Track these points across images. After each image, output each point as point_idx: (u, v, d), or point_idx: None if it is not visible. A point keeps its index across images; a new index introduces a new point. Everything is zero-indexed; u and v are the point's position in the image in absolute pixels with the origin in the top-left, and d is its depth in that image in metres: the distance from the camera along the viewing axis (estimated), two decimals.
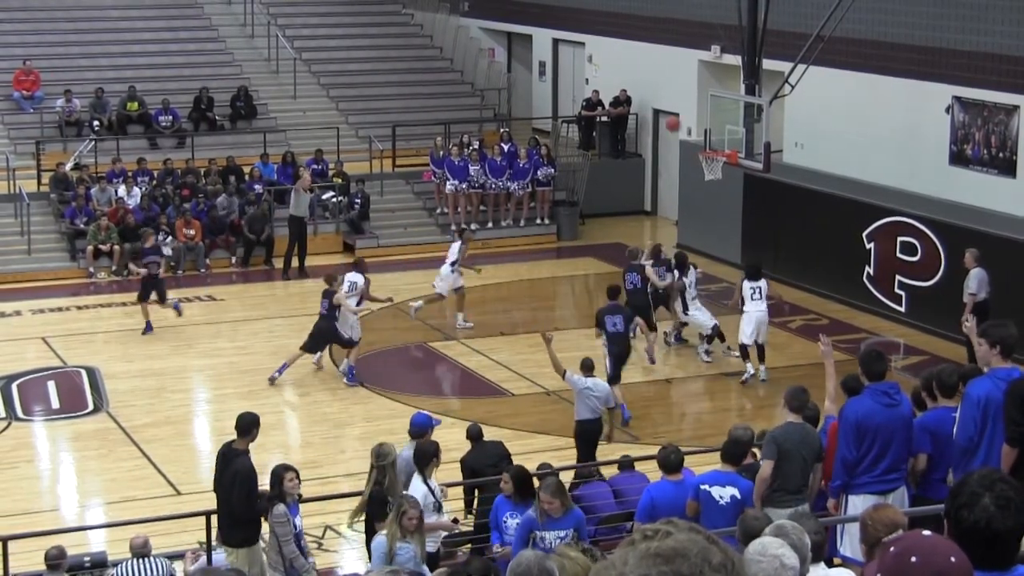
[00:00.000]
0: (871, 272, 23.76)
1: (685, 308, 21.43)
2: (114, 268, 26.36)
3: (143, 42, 33.93)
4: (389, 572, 9.33)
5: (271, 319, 24.02)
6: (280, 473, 12.11)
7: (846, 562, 10.06)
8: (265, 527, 12.55)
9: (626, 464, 14.39)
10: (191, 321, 23.75)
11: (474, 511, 14.05)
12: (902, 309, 23.21)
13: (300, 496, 12.48)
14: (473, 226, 27.37)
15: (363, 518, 12.78)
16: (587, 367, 16.14)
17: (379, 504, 12.13)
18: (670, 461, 11.28)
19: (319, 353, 20.82)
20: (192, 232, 26.92)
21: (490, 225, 29.09)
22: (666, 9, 29.56)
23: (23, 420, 19.28)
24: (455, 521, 12.50)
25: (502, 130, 31.02)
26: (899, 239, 23.17)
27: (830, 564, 8.92)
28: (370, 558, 12.20)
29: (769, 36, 23.19)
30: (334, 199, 28.60)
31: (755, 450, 11.95)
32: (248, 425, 12.72)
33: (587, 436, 15.91)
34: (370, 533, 12.32)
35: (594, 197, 30.20)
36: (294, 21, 35.72)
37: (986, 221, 21.55)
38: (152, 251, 23.29)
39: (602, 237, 29.01)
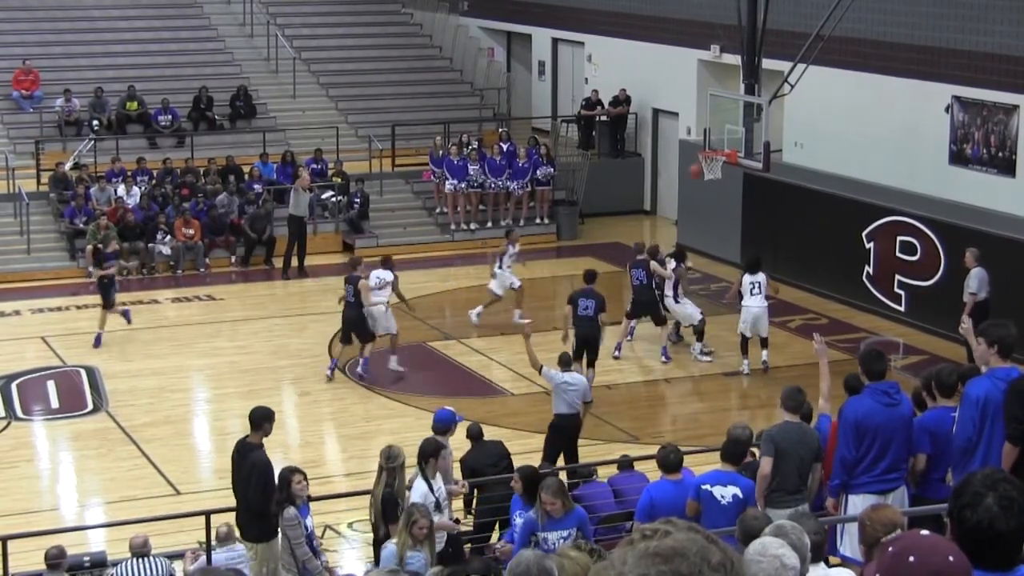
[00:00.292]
0: (871, 272, 23.76)
1: (676, 297, 21.38)
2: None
3: (142, 42, 33.93)
4: (388, 573, 9.34)
5: (271, 319, 24.03)
6: (288, 476, 12.10)
7: (846, 562, 10.06)
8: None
9: (625, 464, 14.39)
10: (191, 321, 23.76)
11: (474, 511, 14.05)
12: (902, 309, 23.21)
13: (309, 498, 12.48)
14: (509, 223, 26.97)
15: (368, 519, 12.77)
16: (565, 362, 16.19)
17: (391, 506, 12.12)
18: (669, 461, 11.26)
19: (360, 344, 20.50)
20: (191, 232, 26.92)
21: (489, 225, 29.08)
22: (665, 9, 29.56)
23: (23, 420, 19.28)
24: (456, 521, 12.46)
25: (501, 130, 31.01)
26: (899, 239, 23.17)
27: (829, 564, 8.91)
28: (376, 562, 12.21)
29: (769, 36, 23.19)
30: (333, 199, 28.60)
31: (754, 449, 11.95)
32: (259, 419, 12.81)
33: (564, 431, 15.84)
34: (377, 535, 12.32)
35: (593, 197, 30.20)
36: (293, 20, 35.72)
37: (986, 221, 21.55)
38: (112, 255, 22.67)
39: (602, 237, 29.01)
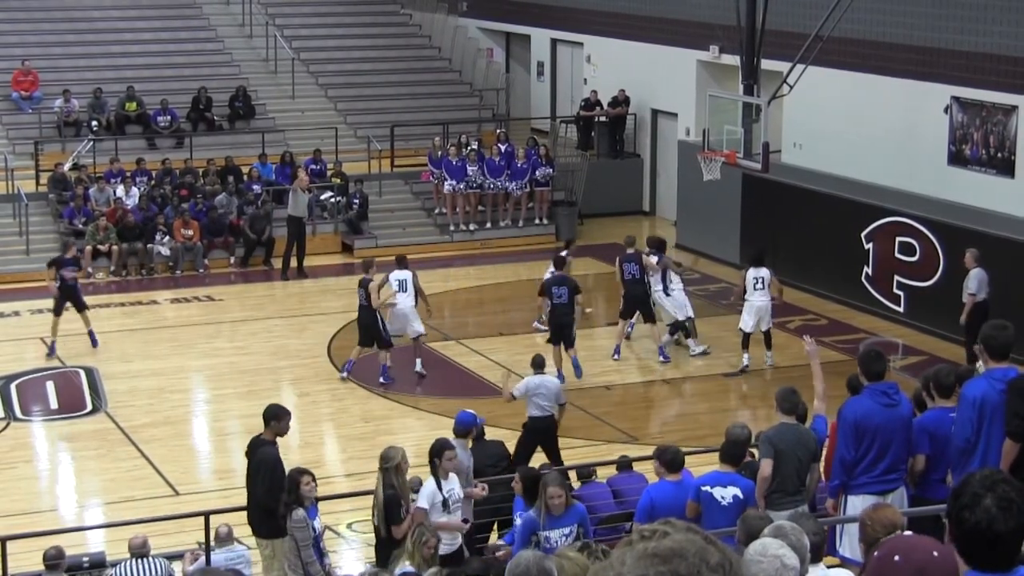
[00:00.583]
0: (870, 272, 23.77)
1: (666, 289, 21.36)
2: (112, 268, 26.37)
3: (142, 42, 33.93)
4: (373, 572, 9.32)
5: (270, 319, 24.03)
6: (296, 477, 12.10)
7: (845, 562, 10.05)
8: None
9: (624, 464, 14.38)
10: (190, 321, 23.76)
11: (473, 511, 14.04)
12: (901, 309, 23.22)
13: (317, 498, 12.48)
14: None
15: (369, 519, 12.76)
16: (537, 364, 16.29)
17: (393, 507, 12.12)
18: (668, 461, 11.24)
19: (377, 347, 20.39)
20: (190, 232, 26.92)
21: (488, 225, 29.09)
22: (664, 9, 29.57)
23: (22, 420, 19.28)
24: (465, 521, 12.38)
25: (499, 131, 31.01)
26: (898, 239, 23.18)
27: (828, 564, 8.91)
28: (377, 561, 12.23)
29: (768, 36, 23.20)
30: (333, 199, 28.60)
31: (752, 450, 11.94)
32: (268, 416, 12.92)
33: (538, 432, 15.77)
34: (379, 536, 12.32)
35: (592, 197, 30.21)
36: (292, 21, 35.72)
37: (985, 221, 21.55)
38: (71, 261, 21.93)
39: (601, 237, 29.01)
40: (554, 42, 34.14)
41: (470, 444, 13.54)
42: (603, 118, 31.06)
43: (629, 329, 21.80)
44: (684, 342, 21.77)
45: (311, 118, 32.28)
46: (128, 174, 28.11)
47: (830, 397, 12.31)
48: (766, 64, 23.76)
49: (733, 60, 25.12)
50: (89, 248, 26.20)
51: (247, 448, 13.20)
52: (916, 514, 9.71)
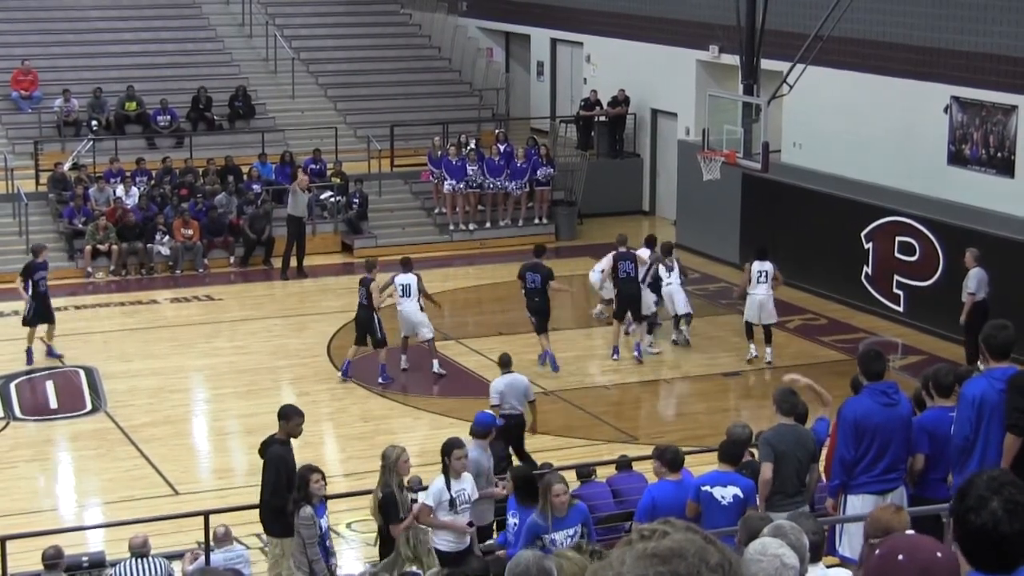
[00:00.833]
0: (869, 272, 23.76)
1: (656, 284, 21.49)
2: (112, 268, 26.37)
3: (141, 42, 33.92)
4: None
5: (269, 319, 24.03)
6: (306, 475, 12.10)
7: (844, 562, 10.05)
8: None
9: (624, 464, 14.38)
10: (189, 321, 23.76)
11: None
12: (900, 309, 23.22)
13: (325, 496, 12.49)
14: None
15: (367, 519, 12.78)
16: (505, 363, 16.36)
17: (391, 506, 12.12)
18: (668, 460, 11.23)
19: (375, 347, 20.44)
20: (190, 232, 26.91)
21: (488, 225, 29.09)
22: (664, 9, 29.56)
23: (21, 420, 19.28)
24: (470, 524, 12.31)
25: (498, 130, 31.00)
26: (897, 239, 23.18)
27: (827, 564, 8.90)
28: (382, 557, 12.25)
29: (767, 36, 23.20)
30: (332, 199, 28.60)
31: (752, 450, 11.93)
32: (279, 415, 13.03)
33: (508, 431, 15.72)
34: (381, 536, 12.33)
35: (592, 197, 30.21)
36: (292, 21, 35.71)
37: (984, 221, 21.55)
38: (43, 266, 21.50)
39: (600, 237, 28.96)
40: (554, 42, 34.14)
41: (486, 443, 13.45)
42: (603, 118, 31.05)
43: (631, 328, 21.81)
44: (645, 338, 21.89)
45: (311, 118, 32.27)
46: (128, 174, 28.11)
47: (833, 397, 12.30)
48: (766, 64, 23.76)
49: (733, 60, 25.12)
50: (89, 248, 26.20)
51: (260, 447, 13.27)
52: (916, 514, 9.71)
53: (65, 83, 31.08)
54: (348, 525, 15.25)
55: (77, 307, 24.59)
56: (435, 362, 20.50)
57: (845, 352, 21.14)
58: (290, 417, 12.94)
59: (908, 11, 23.21)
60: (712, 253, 27.08)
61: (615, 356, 21.33)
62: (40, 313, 21.23)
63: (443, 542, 12.08)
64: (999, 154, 21.78)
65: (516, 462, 15.18)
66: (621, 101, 30.68)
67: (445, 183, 28.80)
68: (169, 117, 30.77)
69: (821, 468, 11.66)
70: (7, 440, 18.48)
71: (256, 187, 28.41)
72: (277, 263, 26.90)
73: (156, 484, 16.79)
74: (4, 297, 24.84)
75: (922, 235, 22.72)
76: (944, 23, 22.54)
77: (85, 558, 13.43)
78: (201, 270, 26.97)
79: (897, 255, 23.19)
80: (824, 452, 11.64)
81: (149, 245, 26.76)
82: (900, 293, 23.22)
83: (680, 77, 28.94)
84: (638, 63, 30.29)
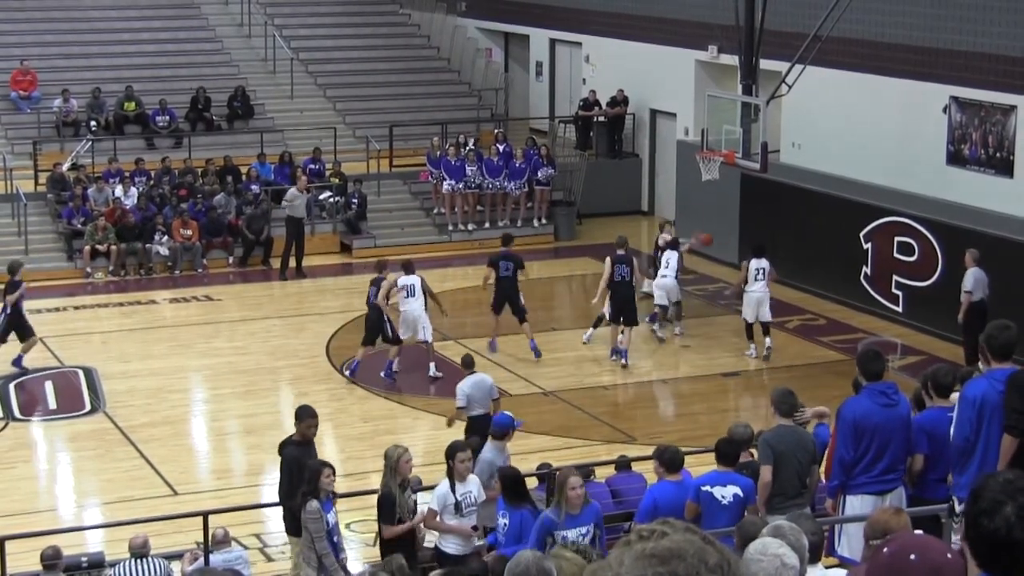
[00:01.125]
0: (868, 272, 23.77)
1: (654, 271, 22.07)
2: (111, 268, 26.36)
3: (140, 42, 33.91)
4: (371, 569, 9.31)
5: (269, 319, 24.02)
6: (318, 470, 12.12)
7: (844, 562, 10.04)
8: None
9: (623, 464, 14.38)
10: (188, 321, 23.76)
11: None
12: (899, 309, 23.22)
13: (334, 493, 12.50)
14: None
15: (367, 519, 12.78)
16: (467, 364, 16.41)
17: (386, 505, 12.12)
18: (667, 460, 11.22)
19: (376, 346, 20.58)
20: (189, 232, 26.90)
21: (487, 225, 29.07)
22: (663, 9, 29.56)
23: (20, 420, 19.27)
24: (474, 528, 12.26)
25: (497, 131, 31.00)
26: (896, 239, 23.18)
27: (826, 565, 8.90)
28: (382, 557, 12.24)
29: (766, 36, 23.20)
30: (331, 199, 28.59)
31: (752, 450, 11.91)
32: (294, 416, 13.18)
33: (478, 432, 15.69)
34: (381, 537, 12.34)
35: (591, 197, 30.21)
36: (291, 21, 35.71)
37: (983, 221, 21.55)
38: (21, 283, 20.80)
39: (599, 237, 28.97)
40: (553, 42, 34.14)
41: (504, 444, 13.41)
42: (602, 118, 31.05)
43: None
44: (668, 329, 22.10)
45: (310, 118, 32.27)
46: (127, 174, 28.10)
47: (832, 398, 12.30)
48: (765, 64, 23.76)
49: (732, 60, 25.12)
50: (88, 248, 26.20)
51: (278, 448, 13.38)
52: (915, 514, 9.70)
53: (64, 83, 31.08)
54: (347, 525, 15.22)
55: (76, 307, 24.58)
56: (432, 365, 20.50)
57: (844, 352, 21.14)
58: (301, 418, 13.06)
59: (907, 11, 23.21)
60: (711, 253, 27.05)
61: (613, 357, 21.32)
62: (18, 330, 20.67)
63: (450, 545, 12.08)
64: (998, 154, 21.78)
65: (513, 463, 15.15)
66: (620, 101, 30.68)
67: (444, 183, 28.80)
68: (168, 117, 30.76)
69: (821, 470, 11.64)
70: (6, 440, 18.47)
71: (255, 187, 28.41)
72: (276, 263, 26.89)
73: (155, 484, 16.79)
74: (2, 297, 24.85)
75: (921, 235, 22.73)
76: (943, 23, 22.54)
77: (84, 558, 13.43)
78: (200, 270, 26.96)
79: (896, 255, 23.19)
80: (824, 454, 11.63)
81: (148, 245, 26.75)
82: (899, 293, 23.23)
83: (679, 77, 28.94)
84: (637, 63, 30.29)
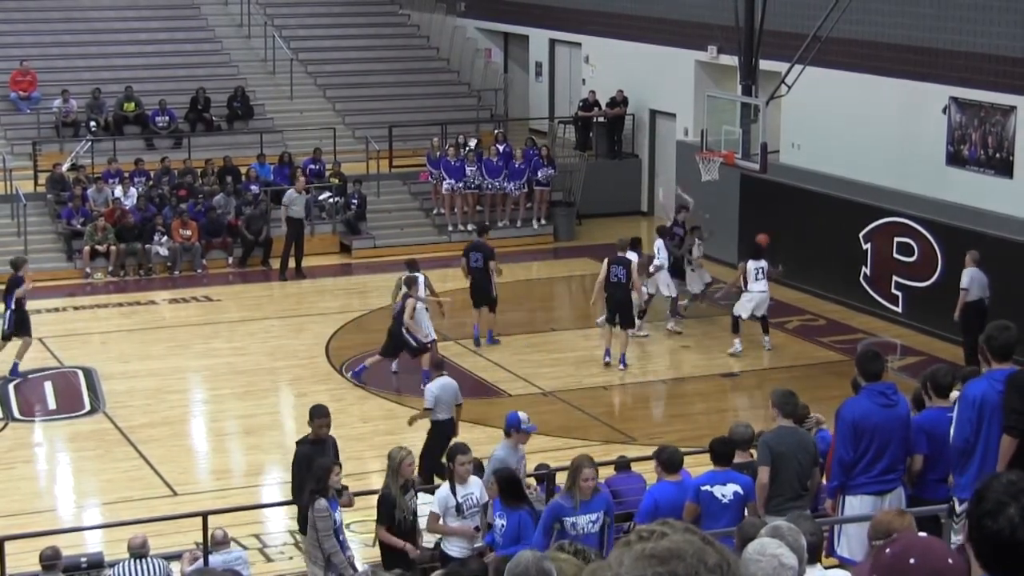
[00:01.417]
0: (868, 272, 23.77)
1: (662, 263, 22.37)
2: (110, 269, 26.35)
3: (140, 43, 33.92)
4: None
5: (268, 320, 24.02)
6: (329, 467, 12.12)
7: (843, 563, 10.04)
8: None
9: (623, 465, 14.37)
10: (188, 322, 23.76)
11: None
12: (899, 309, 23.22)
13: (345, 487, 12.51)
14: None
15: (367, 519, 12.78)
16: (437, 365, 16.46)
17: (383, 506, 12.12)
18: (666, 461, 11.21)
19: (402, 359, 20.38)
20: (189, 233, 26.90)
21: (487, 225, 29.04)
22: (663, 9, 29.56)
23: (20, 420, 19.27)
24: (476, 529, 12.25)
25: (497, 131, 31.00)
26: (896, 239, 23.18)
27: (825, 565, 8.89)
28: (383, 557, 12.25)
29: (766, 37, 23.20)
30: (331, 200, 28.59)
31: (752, 451, 11.89)
32: (308, 415, 13.29)
33: (445, 437, 15.61)
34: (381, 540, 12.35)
35: (591, 198, 30.21)
36: (291, 21, 35.70)
37: (983, 222, 21.56)
38: (23, 280, 20.76)
39: (599, 238, 28.97)
40: (552, 42, 34.13)
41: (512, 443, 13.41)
42: (601, 118, 31.05)
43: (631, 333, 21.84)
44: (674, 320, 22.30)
45: (309, 118, 32.27)
46: (126, 174, 28.10)
47: (832, 398, 12.30)
48: (764, 64, 23.76)
49: (731, 60, 25.12)
50: (87, 248, 26.20)
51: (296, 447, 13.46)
52: (915, 515, 9.70)
53: (63, 84, 31.08)
54: (347, 526, 15.23)
55: (75, 308, 24.58)
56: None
57: (844, 353, 21.14)
58: (312, 418, 13.19)
59: (907, 12, 23.21)
60: (710, 254, 27.00)
61: (607, 359, 21.24)
62: (19, 326, 20.66)
63: (454, 548, 12.08)
64: (998, 155, 21.78)
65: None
66: (619, 102, 30.68)
67: (444, 184, 28.80)
68: (167, 118, 30.76)
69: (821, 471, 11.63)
70: (6, 441, 18.47)
71: (255, 188, 28.40)
72: (275, 264, 26.89)
73: (154, 485, 16.79)
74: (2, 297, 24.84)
75: (921, 236, 22.73)
76: (942, 24, 22.54)
77: (83, 559, 13.43)
78: (199, 271, 26.96)
79: (896, 256, 23.20)
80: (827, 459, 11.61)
81: (147, 246, 26.74)
82: (899, 294, 23.23)
83: (678, 78, 28.94)
84: (636, 64, 30.29)
